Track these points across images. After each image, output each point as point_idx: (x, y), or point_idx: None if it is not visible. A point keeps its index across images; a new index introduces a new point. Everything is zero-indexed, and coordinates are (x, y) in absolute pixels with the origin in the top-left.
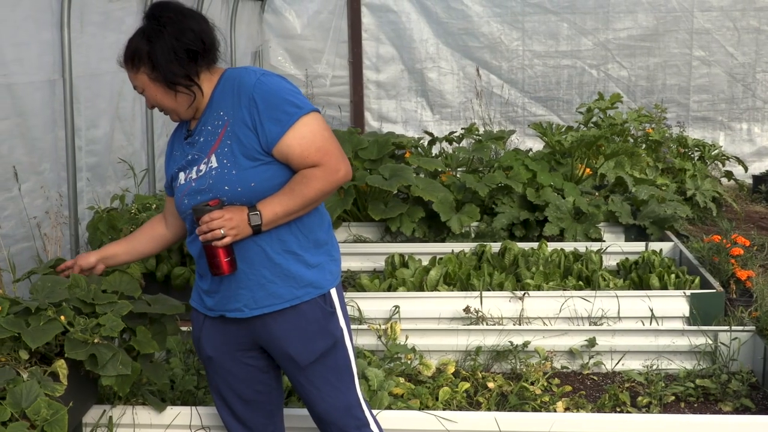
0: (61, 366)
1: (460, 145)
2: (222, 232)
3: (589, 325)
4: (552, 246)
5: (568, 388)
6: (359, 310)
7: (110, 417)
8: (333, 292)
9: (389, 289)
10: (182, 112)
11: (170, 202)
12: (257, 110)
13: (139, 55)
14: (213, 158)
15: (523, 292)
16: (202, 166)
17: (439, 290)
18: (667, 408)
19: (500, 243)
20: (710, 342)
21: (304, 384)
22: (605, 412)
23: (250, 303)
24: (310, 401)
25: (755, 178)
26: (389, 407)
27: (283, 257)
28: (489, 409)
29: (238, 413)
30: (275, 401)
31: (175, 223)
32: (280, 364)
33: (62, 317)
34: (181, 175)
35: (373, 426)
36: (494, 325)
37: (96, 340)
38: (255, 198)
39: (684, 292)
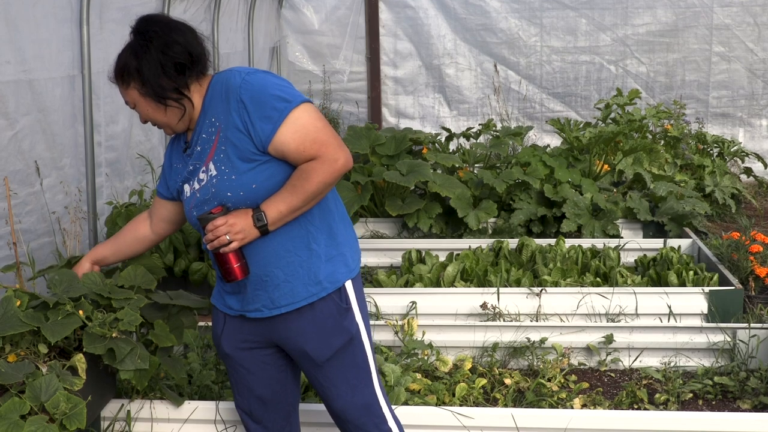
0: (79, 360)
1: (478, 141)
2: (228, 237)
3: (607, 321)
4: (569, 242)
5: (585, 384)
6: (376, 305)
7: (128, 411)
8: (348, 285)
9: (406, 284)
10: (174, 125)
11: (161, 205)
12: (246, 111)
13: (128, 70)
14: (211, 166)
15: (540, 289)
16: (202, 175)
17: (456, 286)
18: (685, 405)
19: (517, 239)
20: (729, 339)
21: (321, 381)
22: (623, 409)
23: (268, 303)
24: (327, 398)
25: None
26: (406, 403)
27: (295, 255)
28: (506, 406)
29: (255, 413)
30: (292, 401)
31: (161, 225)
32: (297, 361)
33: (81, 312)
34: (186, 188)
35: (391, 422)
36: (511, 321)
37: (114, 335)
38: (260, 199)
39: (702, 289)
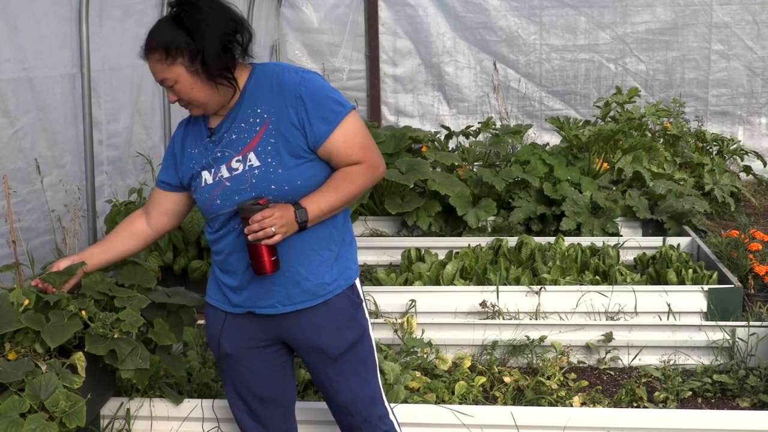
0: (79, 358)
1: (477, 139)
2: (273, 230)
3: (606, 320)
4: (569, 240)
5: (585, 383)
6: (375, 303)
7: (128, 409)
8: (357, 282)
9: (405, 283)
10: (214, 106)
11: (164, 197)
12: (305, 109)
13: (176, 46)
14: (252, 156)
15: (539, 287)
16: (236, 164)
17: (455, 284)
18: (684, 403)
19: (517, 237)
20: (728, 337)
21: (332, 375)
22: (622, 408)
23: (284, 300)
24: (335, 392)
25: None
26: (405, 401)
27: (317, 254)
28: (505, 404)
29: (255, 411)
30: (290, 398)
31: (161, 220)
32: (306, 357)
33: (83, 312)
34: (206, 174)
35: (392, 416)
36: (510, 319)
37: (116, 335)
38: (299, 196)
39: (702, 288)
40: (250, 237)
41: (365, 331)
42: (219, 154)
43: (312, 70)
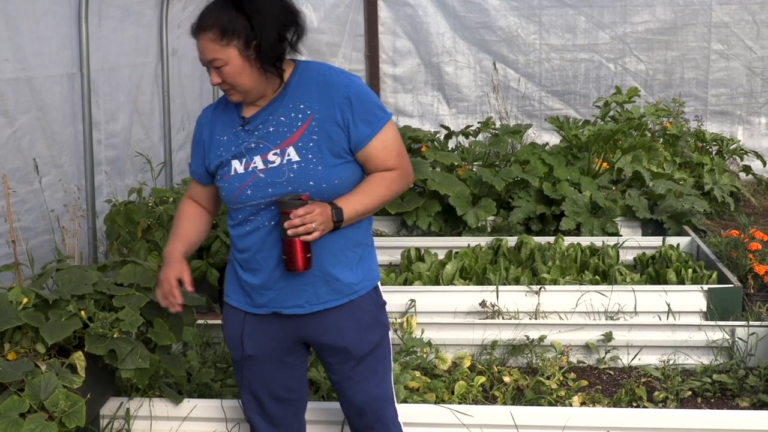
0: (79, 358)
1: (477, 139)
2: (313, 226)
3: (606, 319)
4: (568, 240)
5: (584, 382)
6: None
7: (127, 409)
8: (379, 284)
9: (405, 282)
10: (255, 94)
11: (202, 189)
12: (351, 110)
13: (233, 28)
14: (291, 150)
15: (539, 287)
16: (273, 157)
17: (455, 284)
18: (683, 403)
19: (516, 237)
20: (727, 337)
21: (352, 375)
22: (621, 407)
23: (312, 299)
24: (353, 391)
25: None
26: (405, 401)
27: (345, 255)
28: (505, 404)
29: (269, 412)
30: (303, 399)
31: (211, 206)
32: (327, 357)
33: (82, 312)
34: (236, 163)
35: (400, 417)
36: (510, 319)
37: (116, 335)
38: (334, 195)
39: (701, 287)
40: (289, 231)
41: (387, 332)
42: (253, 145)
43: (355, 74)
